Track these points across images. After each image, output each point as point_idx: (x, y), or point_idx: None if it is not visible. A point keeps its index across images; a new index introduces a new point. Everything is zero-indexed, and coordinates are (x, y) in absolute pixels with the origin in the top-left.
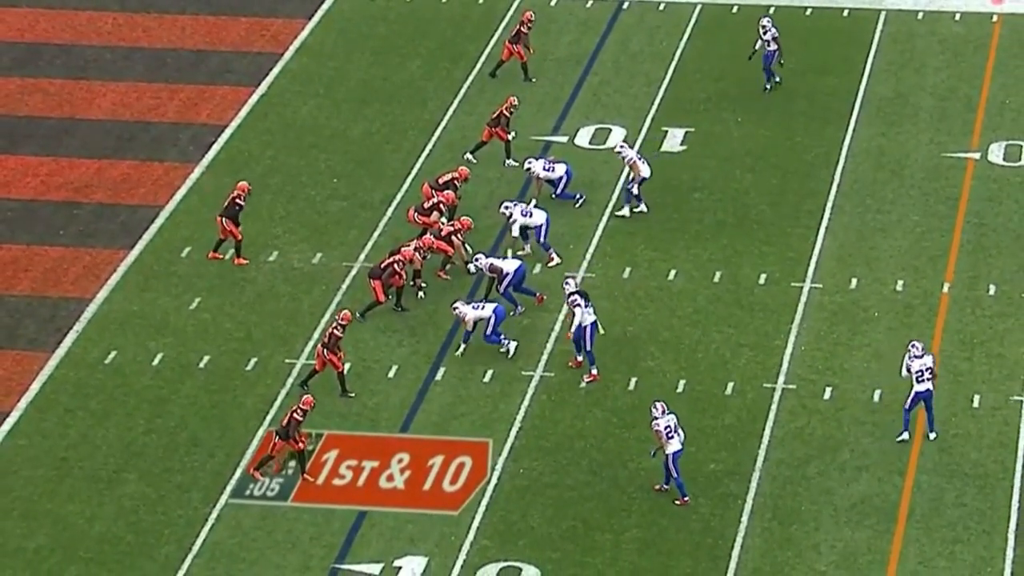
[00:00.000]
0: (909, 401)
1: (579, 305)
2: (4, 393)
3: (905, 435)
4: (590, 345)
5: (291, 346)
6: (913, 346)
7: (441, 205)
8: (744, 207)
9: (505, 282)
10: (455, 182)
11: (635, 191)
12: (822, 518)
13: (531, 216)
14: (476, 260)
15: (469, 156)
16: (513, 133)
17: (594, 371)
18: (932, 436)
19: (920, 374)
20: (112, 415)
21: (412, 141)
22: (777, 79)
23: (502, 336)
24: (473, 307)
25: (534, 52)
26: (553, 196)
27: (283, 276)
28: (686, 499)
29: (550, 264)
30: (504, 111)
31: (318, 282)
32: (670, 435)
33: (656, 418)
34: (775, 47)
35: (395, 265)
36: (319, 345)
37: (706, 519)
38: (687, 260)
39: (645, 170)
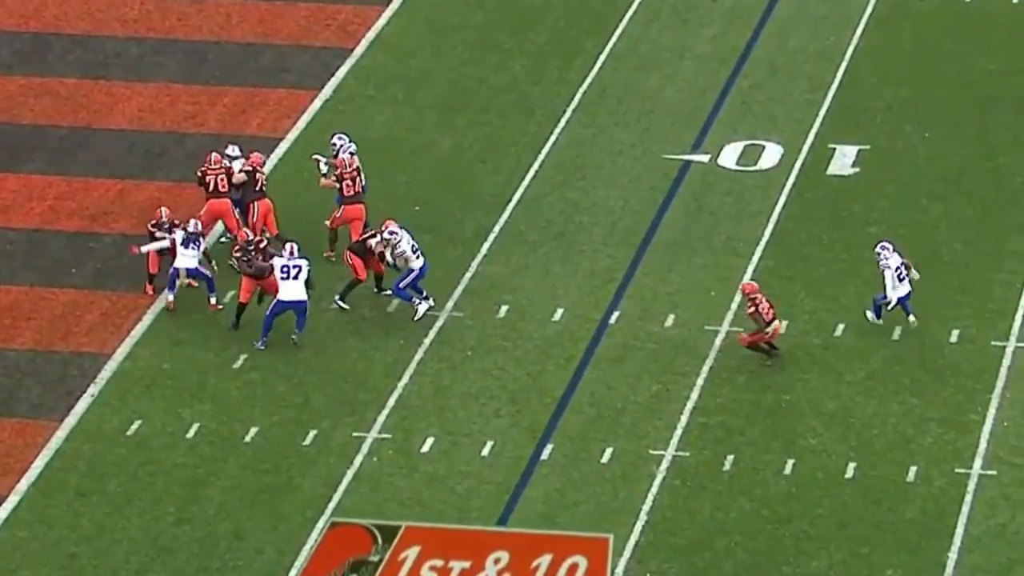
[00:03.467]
0: (891, 307)
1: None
2: (1, 472)
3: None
4: None
5: (360, 415)
6: (884, 248)
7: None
8: (932, 245)
9: (408, 278)
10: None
11: None
12: None
13: (416, 255)
14: (394, 237)
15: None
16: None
17: None
18: (912, 320)
19: (899, 272)
20: (135, 501)
21: (514, 159)
22: None
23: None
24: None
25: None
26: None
27: (351, 328)
28: None
29: (415, 318)
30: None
31: (394, 335)
32: None
33: None
34: None
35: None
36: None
37: None
38: (859, 312)
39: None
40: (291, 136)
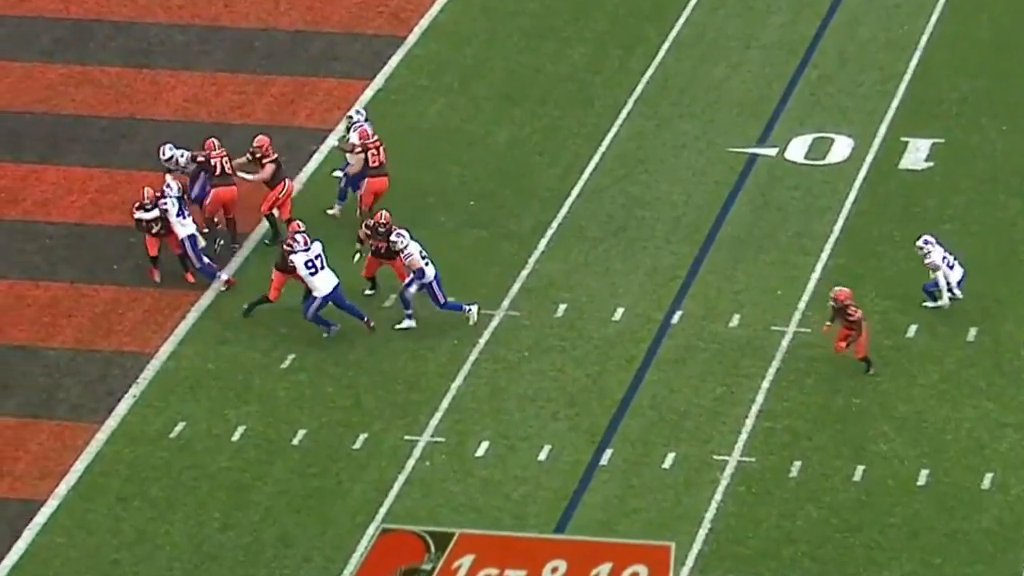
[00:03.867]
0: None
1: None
2: (38, 476)
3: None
4: None
5: (412, 418)
6: (926, 243)
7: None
8: (1009, 243)
9: (414, 286)
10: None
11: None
12: None
13: (426, 263)
14: (401, 240)
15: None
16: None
17: None
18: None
19: (946, 261)
20: (178, 506)
21: (573, 152)
22: None
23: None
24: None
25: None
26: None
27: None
28: None
29: (398, 327)
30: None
31: (448, 335)
32: None
33: None
34: None
35: None
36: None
37: None
38: (932, 312)
39: None
40: (341, 127)
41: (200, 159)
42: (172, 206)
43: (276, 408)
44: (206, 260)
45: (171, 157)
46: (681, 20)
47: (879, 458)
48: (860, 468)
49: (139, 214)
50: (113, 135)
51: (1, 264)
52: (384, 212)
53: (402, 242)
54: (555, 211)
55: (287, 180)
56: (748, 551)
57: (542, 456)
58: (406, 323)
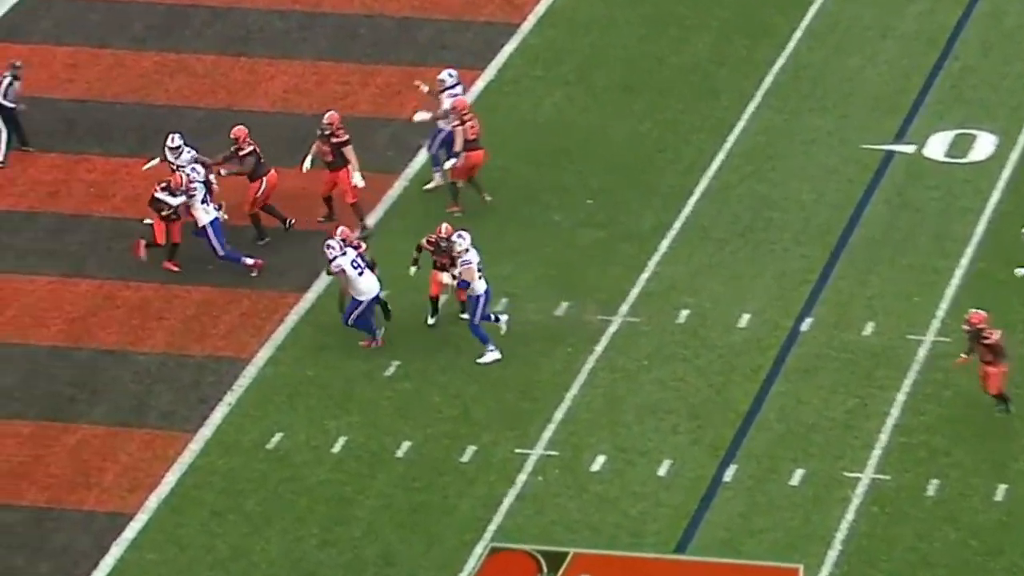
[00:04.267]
0: None
1: None
2: (127, 488)
3: None
4: None
5: (523, 430)
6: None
7: None
8: None
9: (479, 309)
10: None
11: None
12: None
13: (480, 277)
14: (462, 242)
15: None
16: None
17: None
18: None
19: None
20: (275, 520)
21: (697, 147)
22: None
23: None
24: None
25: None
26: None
27: (515, 332)
28: None
29: (481, 361)
30: None
31: (562, 342)
32: None
33: None
34: None
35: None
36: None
37: None
38: None
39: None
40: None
41: (232, 153)
42: (199, 191)
43: (379, 418)
44: (228, 246)
45: (178, 147)
46: (813, 8)
47: (1022, 476)
48: (1002, 487)
49: (163, 195)
50: (208, 127)
51: (90, 263)
52: (446, 225)
53: (462, 244)
54: (677, 210)
55: (270, 172)
56: (881, 574)
57: (662, 471)
58: (489, 356)
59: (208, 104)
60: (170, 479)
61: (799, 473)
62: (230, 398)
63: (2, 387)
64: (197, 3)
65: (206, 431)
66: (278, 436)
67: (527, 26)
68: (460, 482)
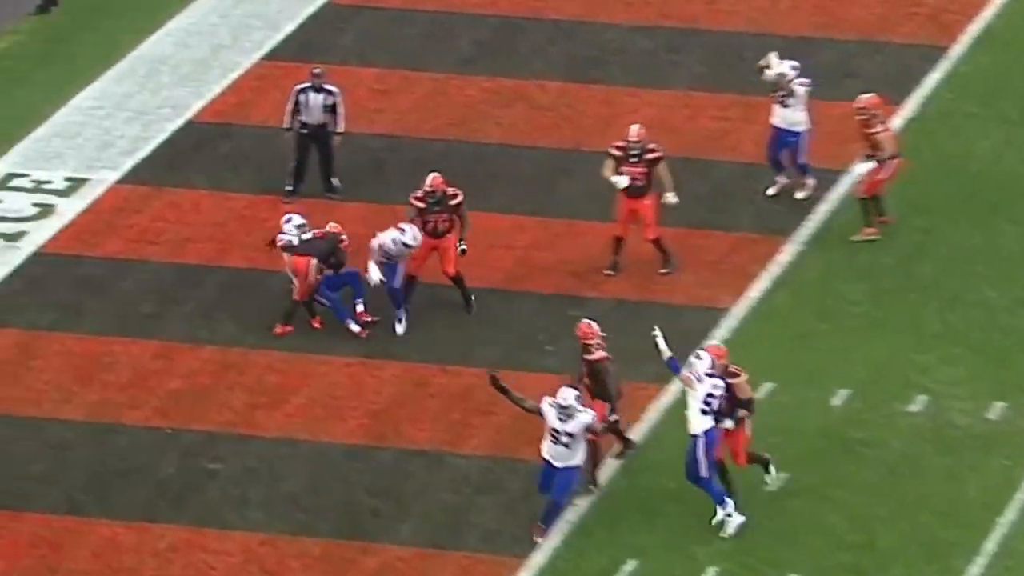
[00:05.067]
0: None
1: None
2: None
3: None
4: None
5: (944, 563)
6: None
7: None
8: None
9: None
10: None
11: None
12: None
13: None
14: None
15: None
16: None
17: None
18: None
19: None
20: None
21: None
22: None
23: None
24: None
25: None
26: None
27: (936, 439)
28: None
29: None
30: None
31: (996, 451)
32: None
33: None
34: None
35: None
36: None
37: None
38: None
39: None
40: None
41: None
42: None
43: (756, 546)
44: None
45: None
46: None
47: None
48: None
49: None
50: (551, 170)
51: (398, 342)
52: None
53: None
54: None
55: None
56: None
57: None
58: (728, 522)
59: (551, 143)
60: None
61: None
62: (571, 515)
63: (286, 494)
64: (540, 15)
65: (539, 557)
66: (631, 564)
67: (957, 50)
68: None
